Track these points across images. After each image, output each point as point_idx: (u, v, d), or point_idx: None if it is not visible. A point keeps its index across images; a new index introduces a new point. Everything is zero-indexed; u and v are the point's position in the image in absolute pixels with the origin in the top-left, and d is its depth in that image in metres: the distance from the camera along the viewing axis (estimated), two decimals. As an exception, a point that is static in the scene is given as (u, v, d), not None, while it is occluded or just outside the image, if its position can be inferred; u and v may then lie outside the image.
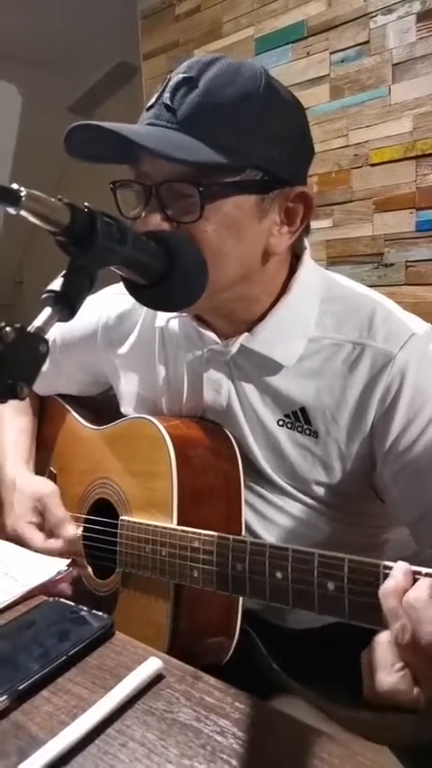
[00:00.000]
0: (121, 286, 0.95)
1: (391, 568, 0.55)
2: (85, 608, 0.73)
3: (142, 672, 0.60)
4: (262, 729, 0.54)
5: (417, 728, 0.82)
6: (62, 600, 0.75)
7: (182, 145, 0.65)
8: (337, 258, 1.96)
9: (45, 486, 0.93)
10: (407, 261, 1.81)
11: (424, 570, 0.54)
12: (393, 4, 1.73)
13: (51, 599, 0.76)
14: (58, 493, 0.91)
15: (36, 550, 0.87)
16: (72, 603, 0.74)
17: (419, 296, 1.79)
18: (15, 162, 3.49)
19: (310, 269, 0.81)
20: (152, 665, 0.61)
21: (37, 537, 0.88)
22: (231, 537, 0.69)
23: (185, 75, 0.68)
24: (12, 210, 0.46)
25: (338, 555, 0.60)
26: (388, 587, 0.53)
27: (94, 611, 0.72)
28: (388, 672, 0.52)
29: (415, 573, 0.54)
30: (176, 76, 0.68)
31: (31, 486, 0.94)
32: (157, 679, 0.60)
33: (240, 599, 0.77)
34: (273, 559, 0.64)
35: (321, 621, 0.92)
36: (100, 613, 0.71)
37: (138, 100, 2.72)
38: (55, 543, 0.87)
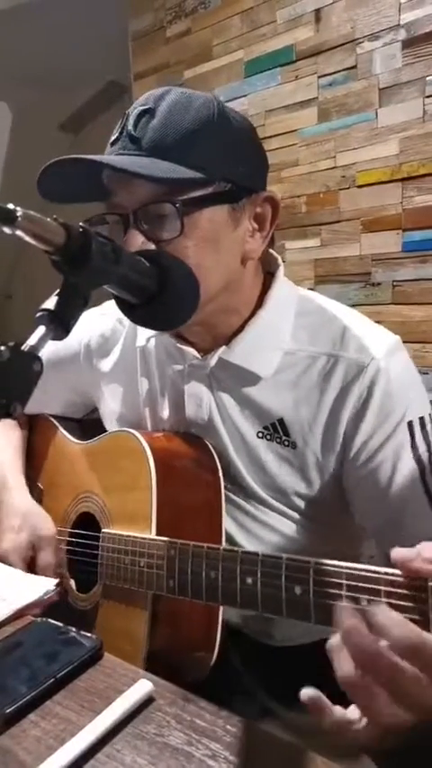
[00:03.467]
0: (103, 307, 0.98)
1: (354, 569, 0.55)
2: (73, 629, 0.72)
3: (132, 694, 0.59)
4: (254, 753, 0.53)
5: (403, 749, 0.82)
6: (50, 620, 0.74)
7: (153, 166, 0.67)
8: (324, 277, 1.98)
9: (48, 526, 0.93)
10: (393, 281, 1.83)
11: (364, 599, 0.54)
12: (380, 31, 1.76)
13: (39, 619, 0.75)
14: (54, 537, 0.92)
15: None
16: (60, 624, 0.73)
17: (405, 315, 1.81)
18: (5, 179, 3.50)
19: (283, 284, 0.85)
20: (142, 687, 0.60)
21: (23, 569, 0.90)
22: (205, 545, 0.70)
23: (144, 107, 0.71)
24: (7, 230, 0.47)
25: (305, 558, 0.60)
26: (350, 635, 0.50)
27: (82, 632, 0.71)
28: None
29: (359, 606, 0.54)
30: (136, 109, 0.71)
31: (33, 518, 0.94)
32: (147, 702, 0.59)
33: (221, 613, 0.78)
34: (243, 565, 0.65)
35: (309, 638, 0.92)
36: (89, 634, 0.70)
37: (128, 119, 2.74)
38: None
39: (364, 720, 0.51)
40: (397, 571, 0.53)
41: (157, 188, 0.68)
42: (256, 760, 0.53)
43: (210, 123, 0.70)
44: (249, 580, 0.64)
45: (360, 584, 0.55)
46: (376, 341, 0.79)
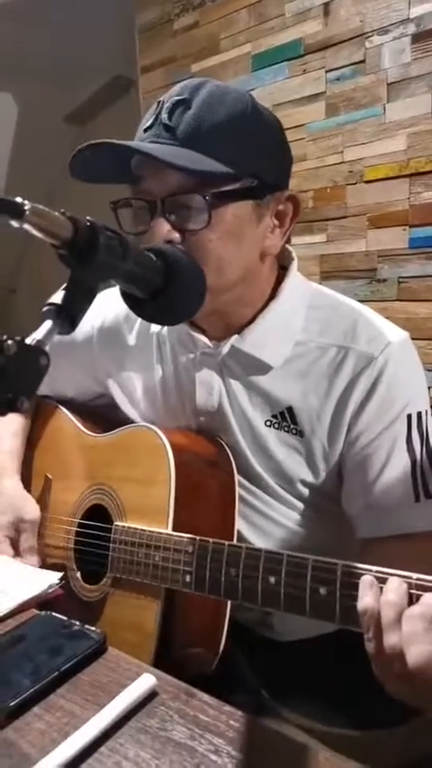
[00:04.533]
0: (117, 290, 0.97)
1: (385, 575, 0.57)
2: (77, 622, 0.72)
3: (136, 688, 0.59)
4: (257, 749, 0.53)
5: (404, 745, 0.83)
6: (54, 614, 0.74)
7: (188, 157, 0.68)
8: (330, 273, 1.97)
9: (30, 509, 0.96)
10: (399, 277, 1.82)
11: (416, 583, 0.55)
12: (389, 25, 1.75)
13: (43, 613, 0.75)
14: (38, 521, 0.96)
15: None
16: (64, 618, 0.73)
17: (411, 311, 1.80)
18: (11, 171, 3.49)
19: (296, 278, 0.86)
20: (146, 681, 0.60)
21: (7, 551, 0.92)
22: (227, 543, 0.71)
23: (179, 97, 0.72)
24: (15, 224, 0.46)
25: (332, 560, 0.61)
26: (390, 599, 0.54)
27: (86, 626, 0.71)
28: (422, 642, 0.51)
29: (409, 587, 0.55)
30: (171, 98, 0.72)
31: (18, 501, 0.97)
32: (150, 696, 0.59)
33: (228, 610, 0.78)
34: (267, 564, 0.66)
35: (311, 633, 0.92)
36: (93, 628, 0.71)
37: (133, 113, 2.73)
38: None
39: None
40: (426, 576, 0.54)
41: (188, 179, 0.69)
42: (259, 755, 0.53)
43: (243, 118, 0.72)
44: (272, 579, 0.65)
45: None
46: (387, 335, 0.81)
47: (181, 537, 0.74)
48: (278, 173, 0.78)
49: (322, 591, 0.60)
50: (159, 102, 0.73)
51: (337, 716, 0.83)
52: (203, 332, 0.86)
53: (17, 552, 0.93)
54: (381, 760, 0.79)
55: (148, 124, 0.73)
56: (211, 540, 0.72)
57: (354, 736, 0.82)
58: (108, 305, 0.97)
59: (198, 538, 0.73)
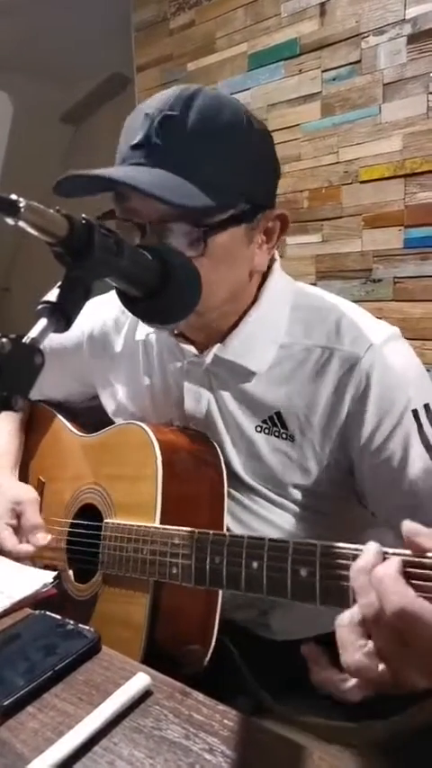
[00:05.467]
0: (107, 296, 0.97)
1: (361, 551, 0.56)
2: (71, 622, 0.72)
3: (130, 688, 0.59)
4: (251, 747, 0.53)
5: (389, 734, 0.83)
6: (48, 613, 0.74)
7: (179, 189, 0.66)
8: (326, 273, 1.98)
9: (26, 492, 0.96)
10: (395, 277, 1.83)
11: (391, 550, 0.54)
12: (385, 25, 1.76)
13: (37, 612, 0.75)
14: (37, 500, 0.95)
15: (6, 551, 0.89)
16: (59, 617, 0.73)
17: (406, 311, 1.81)
18: (5, 169, 3.49)
19: (279, 279, 0.85)
20: (140, 680, 0.60)
21: (10, 539, 0.90)
22: (211, 532, 0.71)
23: (171, 112, 0.68)
24: (10, 221, 0.46)
25: (311, 541, 0.61)
26: (358, 564, 0.53)
27: (80, 625, 0.71)
28: (353, 650, 0.51)
29: (385, 553, 0.54)
30: (162, 113, 0.68)
31: (13, 489, 0.96)
32: (145, 695, 0.59)
33: (219, 603, 0.78)
34: (249, 549, 0.66)
35: (308, 633, 0.92)
36: (87, 627, 0.70)
37: (130, 111, 2.72)
38: (25, 548, 0.89)
39: (352, 681, 0.53)
40: (407, 551, 0.53)
41: (179, 208, 0.67)
42: (253, 754, 0.53)
43: (237, 139, 0.70)
44: (255, 564, 0.65)
45: None
46: (371, 333, 0.79)
47: (167, 529, 0.75)
48: (268, 191, 0.77)
49: (303, 572, 0.61)
50: (147, 114, 0.69)
51: (334, 708, 0.84)
52: (189, 340, 0.85)
53: (22, 537, 0.91)
54: (378, 749, 0.79)
55: (136, 142, 0.69)
56: (196, 530, 0.72)
57: (351, 727, 0.82)
58: (98, 311, 0.98)
59: (183, 529, 0.73)
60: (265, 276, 0.84)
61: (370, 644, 0.51)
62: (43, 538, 0.90)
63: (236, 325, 0.82)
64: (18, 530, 0.92)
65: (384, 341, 0.79)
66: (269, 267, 0.85)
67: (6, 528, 0.91)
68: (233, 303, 0.80)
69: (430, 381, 0.81)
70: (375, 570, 0.51)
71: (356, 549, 0.57)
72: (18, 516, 0.92)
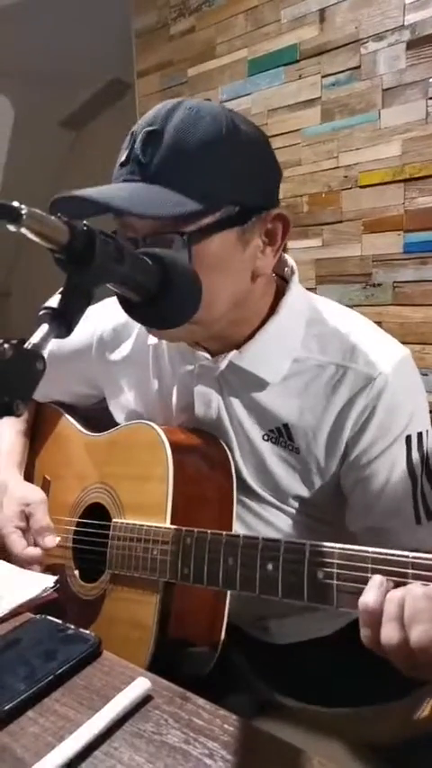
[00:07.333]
0: (114, 300, 0.97)
1: (379, 553, 0.58)
2: (72, 626, 0.72)
3: (130, 692, 0.59)
4: (251, 752, 0.54)
5: (398, 725, 0.84)
6: (49, 617, 0.74)
7: (160, 200, 0.67)
8: (325, 277, 1.98)
9: (34, 492, 0.95)
10: (394, 282, 1.83)
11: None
12: (384, 31, 1.76)
13: (38, 616, 0.75)
14: (46, 501, 0.94)
15: (15, 555, 0.89)
16: (59, 621, 0.73)
17: (406, 316, 1.81)
18: (6, 175, 3.49)
19: (297, 292, 0.85)
20: (140, 685, 0.60)
21: (18, 542, 0.90)
22: (224, 533, 0.71)
23: (151, 128, 0.70)
24: (12, 228, 0.47)
25: (328, 544, 0.62)
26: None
27: (81, 630, 0.71)
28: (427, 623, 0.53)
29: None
30: (144, 129, 0.70)
31: (20, 491, 0.96)
32: (145, 700, 0.59)
33: (227, 604, 0.78)
34: (265, 551, 0.66)
35: (307, 636, 0.93)
36: (88, 632, 0.71)
37: (130, 116, 2.73)
38: (34, 551, 0.89)
39: None
40: (425, 555, 0.54)
41: (150, 218, 0.69)
42: (253, 759, 0.53)
43: (218, 144, 0.70)
44: (270, 566, 0.65)
45: (386, 568, 0.57)
46: (386, 354, 0.80)
47: (179, 530, 0.75)
48: (262, 193, 0.75)
49: (320, 575, 0.61)
50: (133, 132, 0.71)
51: (336, 696, 0.84)
52: (203, 347, 0.85)
53: (30, 539, 0.91)
54: (380, 734, 0.80)
55: (122, 159, 0.71)
56: (209, 531, 0.72)
57: (352, 713, 0.83)
58: (107, 314, 0.98)
59: (196, 530, 0.73)
60: (282, 286, 0.85)
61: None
62: (52, 540, 0.90)
63: (253, 334, 0.82)
64: (26, 531, 0.92)
65: (397, 364, 0.80)
66: (285, 278, 0.85)
67: (15, 531, 0.91)
68: (241, 310, 0.79)
69: (427, 409, 0.83)
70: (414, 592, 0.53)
71: (375, 552, 0.58)
72: (27, 518, 0.92)
